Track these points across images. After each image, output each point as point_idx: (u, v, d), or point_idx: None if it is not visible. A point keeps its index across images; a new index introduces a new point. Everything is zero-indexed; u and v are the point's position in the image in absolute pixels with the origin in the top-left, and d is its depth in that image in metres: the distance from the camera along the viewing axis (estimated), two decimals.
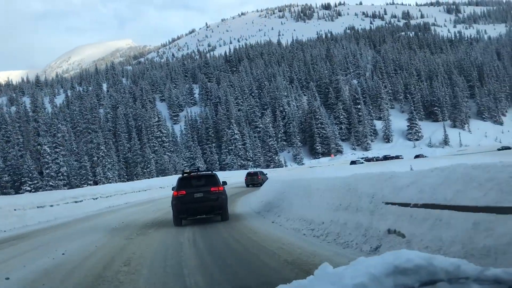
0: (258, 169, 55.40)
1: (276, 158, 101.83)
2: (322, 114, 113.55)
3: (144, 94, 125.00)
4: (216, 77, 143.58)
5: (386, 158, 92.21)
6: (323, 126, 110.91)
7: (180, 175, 14.33)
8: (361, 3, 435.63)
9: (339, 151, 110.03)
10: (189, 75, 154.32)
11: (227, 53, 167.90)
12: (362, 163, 73.87)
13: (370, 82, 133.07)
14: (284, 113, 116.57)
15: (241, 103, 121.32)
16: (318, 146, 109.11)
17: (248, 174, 37.91)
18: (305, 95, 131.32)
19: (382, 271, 2.13)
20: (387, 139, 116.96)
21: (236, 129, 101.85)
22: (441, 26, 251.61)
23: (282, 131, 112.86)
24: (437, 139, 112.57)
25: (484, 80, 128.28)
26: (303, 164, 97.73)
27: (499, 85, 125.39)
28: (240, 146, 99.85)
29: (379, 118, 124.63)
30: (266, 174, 38.47)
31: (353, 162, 75.25)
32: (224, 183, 14.25)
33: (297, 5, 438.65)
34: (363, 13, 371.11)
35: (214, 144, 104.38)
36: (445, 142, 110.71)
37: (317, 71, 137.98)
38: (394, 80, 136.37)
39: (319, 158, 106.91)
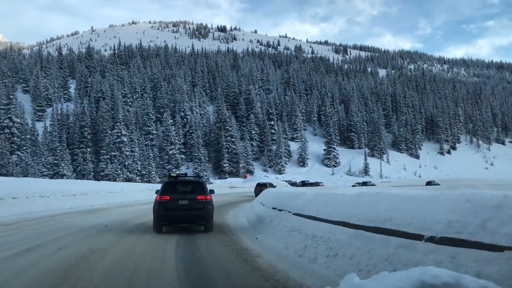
0: (268, 181, 53.67)
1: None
2: (233, 126, 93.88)
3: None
4: (101, 70, 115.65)
5: (304, 184, 76.54)
6: (233, 140, 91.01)
7: (166, 179, 13.17)
8: (256, 31, 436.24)
9: (250, 172, 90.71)
10: (65, 66, 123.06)
11: (115, 48, 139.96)
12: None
13: (283, 98, 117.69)
14: (185, 120, 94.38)
15: (131, 103, 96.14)
16: (226, 163, 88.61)
17: (258, 185, 42.74)
18: (211, 104, 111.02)
19: (409, 286, 2.21)
20: (302, 162, 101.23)
21: (124, 130, 76.82)
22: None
23: (182, 141, 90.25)
24: (357, 167, 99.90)
25: (401, 110, 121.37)
26: (210, 183, 76.01)
27: (414, 117, 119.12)
28: (127, 153, 74.80)
29: (293, 139, 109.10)
30: (276, 186, 42.06)
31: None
32: (212, 191, 13.12)
33: (192, 23, 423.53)
34: (258, 41, 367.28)
35: (90, 149, 77.54)
36: (366, 171, 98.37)
37: (224, 78, 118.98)
38: (307, 101, 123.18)
39: (226, 178, 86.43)
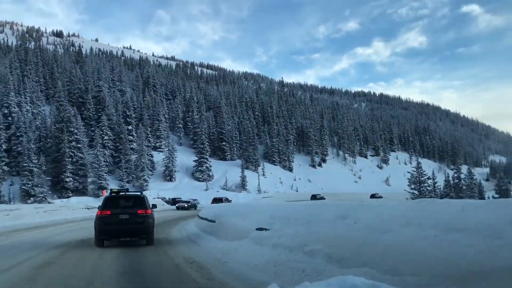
0: (224, 196, 54.39)
1: None
2: (80, 129, 71.97)
3: None
4: None
5: (175, 201, 62.41)
6: (79, 146, 69.26)
7: (107, 194, 13.58)
8: (97, 40, 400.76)
9: (102, 187, 69.77)
10: None
11: None
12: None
13: (141, 99, 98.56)
14: (10, 119, 69.29)
15: None
16: (69, 177, 66.29)
17: (214, 200, 44.20)
18: (48, 104, 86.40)
19: None
20: (169, 176, 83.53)
21: None
22: None
23: (3, 148, 65.21)
24: (233, 181, 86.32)
25: (271, 120, 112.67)
26: (49, 202, 53.64)
27: (285, 128, 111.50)
28: None
29: (155, 148, 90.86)
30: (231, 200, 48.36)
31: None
32: (154, 206, 14.07)
33: (22, 25, 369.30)
34: (100, 50, 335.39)
35: None
36: (243, 185, 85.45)
37: (65, 73, 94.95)
38: (169, 105, 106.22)
39: (70, 196, 64.47)
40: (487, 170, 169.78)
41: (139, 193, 13.98)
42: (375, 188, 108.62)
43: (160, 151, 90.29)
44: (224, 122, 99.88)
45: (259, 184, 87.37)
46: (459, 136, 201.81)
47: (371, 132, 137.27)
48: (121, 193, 13.66)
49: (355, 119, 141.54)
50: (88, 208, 37.25)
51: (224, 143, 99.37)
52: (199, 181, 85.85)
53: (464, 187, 75.63)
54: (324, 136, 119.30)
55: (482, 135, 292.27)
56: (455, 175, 74.13)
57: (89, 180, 70.05)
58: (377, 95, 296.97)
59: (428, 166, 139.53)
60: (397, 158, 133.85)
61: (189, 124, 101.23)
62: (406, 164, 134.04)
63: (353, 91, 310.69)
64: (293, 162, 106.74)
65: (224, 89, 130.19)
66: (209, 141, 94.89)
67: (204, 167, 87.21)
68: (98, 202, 55.01)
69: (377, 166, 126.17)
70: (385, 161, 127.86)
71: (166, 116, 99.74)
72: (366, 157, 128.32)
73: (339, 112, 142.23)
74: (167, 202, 61.47)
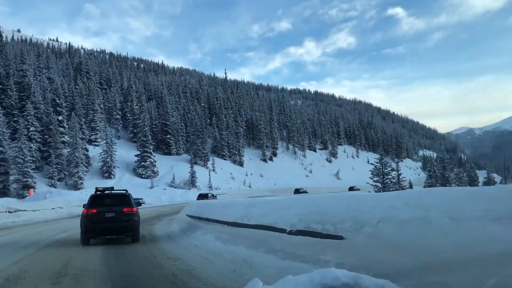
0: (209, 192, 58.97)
1: None
2: None
3: None
4: None
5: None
6: None
7: (93, 193, 13.76)
8: (19, 31, 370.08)
9: (29, 186, 59.23)
10: None
11: None
12: None
13: (73, 86, 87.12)
14: None
15: None
16: None
17: (200, 196, 48.67)
18: None
19: None
20: (108, 173, 73.56)
21: None
22: None
23: None
24: (181, 177, 78.11)
25: (218, 112, 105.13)
26: None
27: (235, 120, 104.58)
28: None
29: (91, 141, 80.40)
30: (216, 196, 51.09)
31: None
32: (139, 204, 15.71)
33: None
34: (22, 38, 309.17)
35: None
36: (192, 182, 77.55)
37: None
38: (105, 95, 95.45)
39: None
40: (419, 164, 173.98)
41: (124, 191, 14.27)
42: (326, 182, 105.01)
43: (96, 145, 79.87)
44: (168, 113, 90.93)
45: (210, 180, 79.80)
46: (393, 131, 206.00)
47: (319, 125, 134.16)
48: (106, 192, 13.82)
49: (303, 112, 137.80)
50: (10, 212, 28.25)
51: (168, 136, 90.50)
52: (143, 177, 76.65)
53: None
54: (273, 129, 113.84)
55: (412, 131, 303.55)
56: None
57: (12, 178, 58.95)
58: (312, 92, 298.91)
59: (374, 159, 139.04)
60: (344, 152, 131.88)
61: (128, 115, 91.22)
62: (353, 158, 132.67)
63: (288, 89, 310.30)
64: (243, 156, 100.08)
65: (165, 78, 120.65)
66: (152, 134, 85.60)
67: (147, 162, 78.07)
68: (24, 203, 45.09)
69: (326, 159, 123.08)
70: (334, 154, 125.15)
71: (101, 106, 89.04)
72: (315, 150, 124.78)
73: (286, 105, 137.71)
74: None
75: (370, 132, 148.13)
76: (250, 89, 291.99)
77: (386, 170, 63.16)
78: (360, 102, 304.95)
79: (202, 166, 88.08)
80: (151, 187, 73.05)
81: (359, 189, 78.08)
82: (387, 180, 63.35)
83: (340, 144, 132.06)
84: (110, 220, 12.65)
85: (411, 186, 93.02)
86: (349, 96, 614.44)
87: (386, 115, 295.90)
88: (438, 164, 79.83)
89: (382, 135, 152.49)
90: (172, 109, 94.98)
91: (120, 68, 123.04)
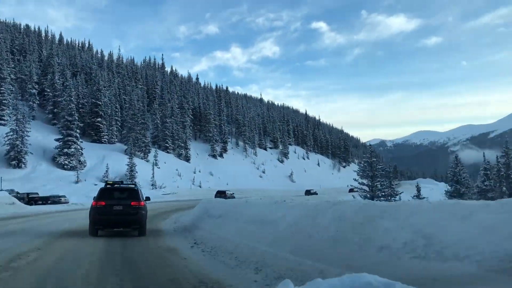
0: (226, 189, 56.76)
1: None
2: None
3: None
4: None
5: (31, 198, 37.67)
6: None
7: (103, 186, 14.09)
8: None
9: None
10: None
11: None
12: None
13: None
14: None
15: None
16: None
17: (218, 192, 49.29)
18: None
19: None
20: (17, 160, 54.39)
21: None
22: None
23: None
24: (117, 171, 60.81)
25: (163, 96, 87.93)
26: None
27: (180, 107, 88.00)
28: None
29: None
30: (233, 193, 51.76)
31: None
32: (147, 198, 14.71)
33: None
34: None
35: None
36: (131, 177, 60.56)
37: None
38: (18, 65, 74.79)
39: None
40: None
41: (133, 186, 14.55)
42: (281, 184, 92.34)
43: (2, 124, 60.08)
44: (100, 90, 72.46)
45: (153, 176, 63.16)
46: (337, 135, 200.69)
47: (269, 121, 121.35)
48: (115, 185, 13.99)
49: (251, 106, 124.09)
50: None
51: (99, 119, 72.06)
52: (65, 169, 58.18)
53: None
54: (223, 122, 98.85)
55: (342, 140, 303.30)
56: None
57: None
58: (241, 94, 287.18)
59: (324, 162, 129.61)
60: (295, 152, 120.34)
61: (48, 90, 71.51)
62: (304, 159, 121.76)
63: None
64: (190, 150, 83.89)
65: (93, 53, 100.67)
66: (78, 116, 66.83)
67: (72, 149, 59.58)
68: None
69: (278, 160, 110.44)
70: (285, 154, 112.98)
71: (12, 76, 68.73)
72: (265, 149, 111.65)
73: (233, 97, 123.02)
74: (20, 198, 35.24)
75: (319, 133, 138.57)
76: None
77: (376, 173, 51.59)
78: (288, 107, 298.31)
79: (142, 158, 71.03)
80: (77, 182, 55.27)
81: (316, 193, 72.82)
82: (377, 183, 51.60)
83: (290, 144, 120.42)
84: (118, 213, 12.85)
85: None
86: (276, 102, 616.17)
87: (313, 121, 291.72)
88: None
89: (330, 137, 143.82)
90: (105, 87, 76.59)
91: (40, 40, 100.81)
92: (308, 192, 73.11)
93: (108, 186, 13.88)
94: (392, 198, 50.18)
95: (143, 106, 79.19)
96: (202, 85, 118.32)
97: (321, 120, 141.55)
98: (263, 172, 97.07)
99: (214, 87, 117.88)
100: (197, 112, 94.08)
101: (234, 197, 44.11)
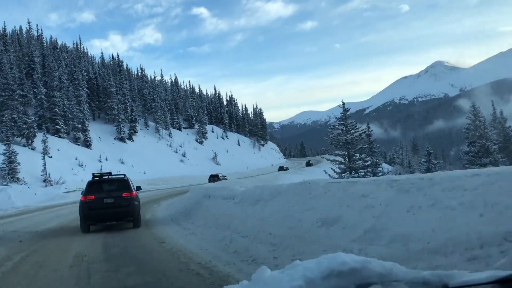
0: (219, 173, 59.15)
1: None
2: None
3: None
4: None
5: None
6: None
7: (90, 179, 13.50)
8: None
9: None
10: None
11: None
12: None
13: None
14: None
15: None
16: None
17: (211, 176, 53.40)
18: None
19: (318, 275, 2.19)
20: None
21: None
22: None
23: None
24: None
25: (44, 64, 65.81)
26: None
27: (72, 78, 66.95)
28: None
29: None
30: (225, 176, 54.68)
31: None
32: (139, 188, 14.37)
33: None
34: None
35: None
36: (12, 172, 40.75)
37: None
38: None
39: None
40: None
41: (122, 176, 13.84)
42: (206, 168, 76.83)
43: None
44: None
45: (45, 169, 43.63)
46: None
47: (179, 98, 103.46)
48: (104, 177, 13.53)
49: (156, 81, 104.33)
50: None
51: None
52: None
53: None
54: (127, 97, 79.14)
55: (258, 116, 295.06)
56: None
57: None
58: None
59: (243, 141, 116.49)
60: (213, 131, 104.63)
61: None
62: (223, 139, 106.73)
63: None
64: (89, 132, 63.93)
65: None
66: None
67: None
68: None
69: (196, 141, 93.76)
70: (203, 134, 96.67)
71: None
72: (180, 129, 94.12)
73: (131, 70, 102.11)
74: None
75: (234, 110, 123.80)
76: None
77: (353, 136, 40.78)
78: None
79: (26, 146, 50.42)
80: None
81: (288, 168, 75.87)
82: (355, 154, 40.49)
83: (206, 123, 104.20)
84: (110, 206, 12.41)
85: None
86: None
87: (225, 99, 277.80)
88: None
89: (246, 114, 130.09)
90: None
91: None
92: (281, 168, 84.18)
93: (95, 178, 13.38)
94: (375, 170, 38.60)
95: (20, 74, 57.41)
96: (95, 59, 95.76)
97: (233, 97, 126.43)
98: (184, 156, 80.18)
99: (108, 60, 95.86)
100: (94, 85, 73.26)
101: (226, 179, 45.63)
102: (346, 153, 36.06)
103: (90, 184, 13.03)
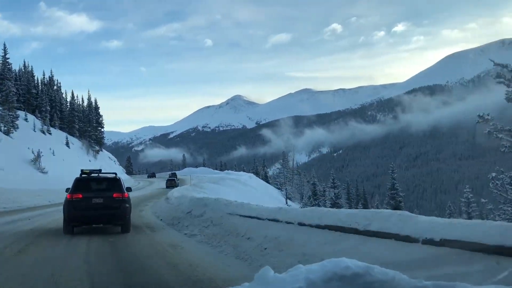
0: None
1: None
2: None
3: None
4: None
5: None
6: None
7: (78, 176, 11.74)
8: None
9: None
10: None
11: None
12: None
13: None
14: None
15: None
16: None
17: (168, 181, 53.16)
18: None
19: (321, 277, 2.19)
20: None
21: None
22: None
23: None
24: None
25: None
26: None
27: None
28: None
29: None
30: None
31: None
32: (129, 189, 12.23)
33: None
34: None
35: None
36: None
37: None
38: None
39: None
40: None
41: (113, 174, 12.37)
42: (26, 178, 38.40)
43: None
44: None
45: None
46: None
47: None
48: (93, 174, 12.13)
49: None
50: None
51: None
52: None
53: None
54: None
55: (92, 112, 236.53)
56: None
57: None
58: None
59: (72, 143, 76.44)
60: (27, 121, 61.72)
61: None
62: (45, 134, 64.67)
63: None
64: None
65: None
66: None
67: None
68: None
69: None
70: (12, 121, 54.31)
71: None
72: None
73: None
74: None
75: (58, 95, 79.29)
76: None
77: None
78: None
79: None
80: None
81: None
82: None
83: (15, 108, 60.61)
84: (98, 207, 10.90)
85: None
86: None
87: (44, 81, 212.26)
88: None
89: (77, 106, 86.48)
90: None
91: None
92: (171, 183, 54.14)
93: (84, 175, 11.81)
94: None
95: None
96: None
97: (58, 80, 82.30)
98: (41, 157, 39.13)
99: None
100: None
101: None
102: None
103: (78, 181, 11.31)
